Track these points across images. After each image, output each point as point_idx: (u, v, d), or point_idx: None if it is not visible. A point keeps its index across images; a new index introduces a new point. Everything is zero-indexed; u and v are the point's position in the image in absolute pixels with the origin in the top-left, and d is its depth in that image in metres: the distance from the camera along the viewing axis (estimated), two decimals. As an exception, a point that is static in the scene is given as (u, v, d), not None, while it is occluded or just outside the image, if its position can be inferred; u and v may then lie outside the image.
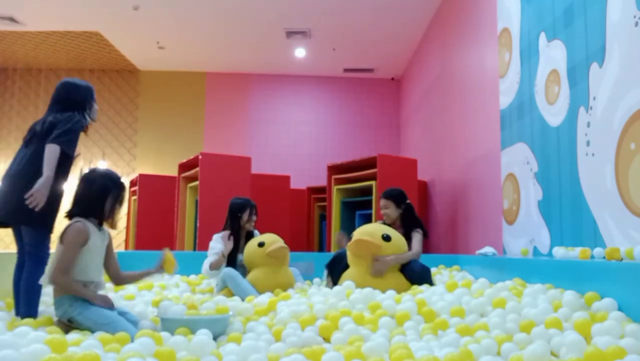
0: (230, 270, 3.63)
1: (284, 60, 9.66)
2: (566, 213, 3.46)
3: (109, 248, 2.67)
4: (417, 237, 3.77)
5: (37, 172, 2.59)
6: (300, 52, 9.28)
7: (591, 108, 3.15)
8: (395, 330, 2.29)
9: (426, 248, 6.73)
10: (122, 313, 2.48)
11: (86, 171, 2.64)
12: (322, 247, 7.92)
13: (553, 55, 3.67)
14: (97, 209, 2.55)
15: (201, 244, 5.73)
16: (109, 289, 3.30)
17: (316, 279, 4.32)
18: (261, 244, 3.76)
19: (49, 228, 2.71)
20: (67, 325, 2.43)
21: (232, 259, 3.87)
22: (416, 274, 3.38)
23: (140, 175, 7.71)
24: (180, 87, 10.35)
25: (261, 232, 4.12)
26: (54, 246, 2.64)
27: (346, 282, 3.17)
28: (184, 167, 6.69)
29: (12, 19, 8.02)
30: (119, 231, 9.88)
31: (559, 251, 3.10)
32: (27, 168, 2.68)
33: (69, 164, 2.77)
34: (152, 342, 1.88)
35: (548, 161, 3.74)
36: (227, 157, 6.40)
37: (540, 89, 3.88)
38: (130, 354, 1.74)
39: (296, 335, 2.20)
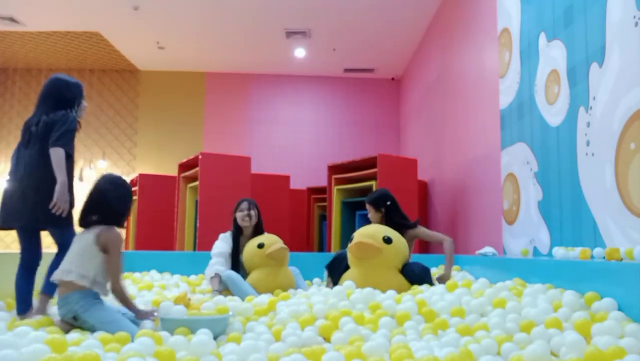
0: (231, 273, 3.63)
1: (284, 60, 9.66)
2: (566, 213, 3.46)
3: None
4: (422, 230, 3.81)
5: (46, 175, 2.70)
6: (300, 52, 9.28)
7: (591, 108, 3.15)
8: (395, 330, 2.29)
9: (426, 248, 6.76)
10: (122, 314, 2.50)
11: (95, 179, 2.69)
12: (322, 247, 7.92)
13: (553, 55, 3.67)
14: (117, 215, 2.61)
15: (201, 244, 5.73)
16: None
17: (316, 279, 4.32)
18: (261, 245, 3.76)
19: (72, 221, 2.84)
20: (69, 324, 2.44)
21: (235, 261, 3.88)
22: (416, 274, 3.38)
23: (140, 175, 7.71)
24: (180, 87, 10.35)
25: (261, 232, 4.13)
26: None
27: (346, 282, 3.17)
28: (184, 167, 6.69)
29: (12, 19, 8.02)
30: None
31: (559, 251, 3.10)
32: (35, 172, 2.76)
33: (71, 162, 2.85)
34: (152, 342, 1.88)
35: (548, 161, 3.74)
36: (227, 157, 6.40)
37: (540, 89, 3.88)
38: (130, 354, 1.74)
39: (296, 335, 2.20)
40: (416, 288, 3.18)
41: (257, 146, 10.10)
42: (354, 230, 3.88)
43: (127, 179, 9.59)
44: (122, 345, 1.91)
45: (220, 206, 5.76)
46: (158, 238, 6.92)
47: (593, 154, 3.13)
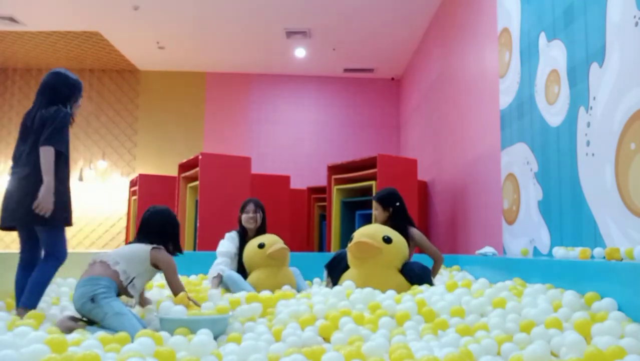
0: (232, 273, 3.63)
1: (284, 60, 9.66)
2: (566, 213, 3.46)
3: None
4: (421, 237, 3.80)
5: (40, 175, 2.67)
6: (300, 52, 9.28)
7: (591, 108, 3.15)
8: (395, 330, 2.29)
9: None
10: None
11: (150, 208, 3.01)
12: (322, 247, 7.92)
13: (553, 55, 3.67)
14: (166, 242, 2.90)
15: (201, 244, 5.73)
16: None
17: (316, 279, 4.31)
18: (261, 246, 3.76)
19: (62, 226, 2.79)
20: (71, 321, 2.46)
21: (241, 260, 3.88)
22: (416, 274, 3.37)
23: (140, 175, 7.71)
24: (180, 87, 10.35)
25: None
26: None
27: (346, 282, 3.16)
28: (184, 167, 6.69)
29: (12, 19, 8.02)
30: (119, 231, 9.89)
31: (559, 251, 3.10)
32: (30, 170, 2.73)
33: (65, 160, 2.82)
34: (152, 342, 1.88)
35: (548, 161, 3.74)
36: (227, 157, 6.40)
37: (540, 89, 3.88)
38: (130, 354, 1.74)
39: (296, 335, 2.20)
40: (416, 288, 3.17)
41: (257, 146, 10.11)
42: (354, 230, 3.87)
43: (127, 179, 9.62)
44: (122, 345, 1.91)
45: (220, 206, 5.76)
46: (158, 238, 6.91)
47: (593, 154, 3.13)
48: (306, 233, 8.15)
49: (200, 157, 6.06)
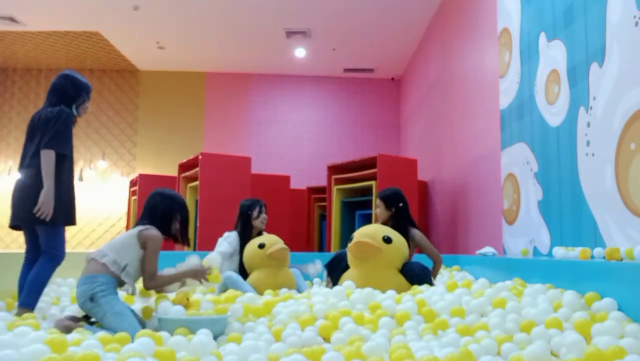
0: (231, 273, 3.64)
1: (284, 60, 9.66)
2: (566, 213, 3.46)
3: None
4: (422, 238, 3.80)
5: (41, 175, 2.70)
6: (300, 52, 9.28)
7: (591, 108, 3.15)
8: (395, 330, 2.29)
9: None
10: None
11: (156, 190, 2.81)
12: (322, 247, 7.92)
13: (553, 55, 3.67)
14: (162, 222, 2.70)
15: (201, 244, 5.73)
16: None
17: (316, 280, 4.31)
18: (261, 246, 3.76)
19: (62, 226, 2.81)
20: (70, 321, 2.46)
21: (239, 262, 3.88)
22: (416, 274, 3.37)
23: (140, 175, 7.71)
24: (180, 87, 10.35)
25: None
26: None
27: (346, 282, 3.16)
28: (184, 167, 6.69)
29: (12, 19, 8.02)
30: (119, 231, 9.88)
31: (559, 251, 3.10)
32: (35, 170, 2.76)
33: (68, 161, 2.86)
34: (152, 342, 1.88)
35: (548, 161, 3.74)
36: (227, 157, 6.40)
37: (540, 89, 3.88)
38: (130, 354, 1.74)
39: (296, 335, 2.20)
40: (416, 288, 3.17)
41: (257, 146, 10.11)
42: (354, 230, 3.87)
43: (127, 179, 9.61)
44: (122, 345, 1.91)
45: (220, 206, 5.76)
46: (158, 238, 6.91)
47: (593, 154, 3.13)
48: (306, 233, 8.15)
49: (200, 157, 6.06)
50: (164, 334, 2.13)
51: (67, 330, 2.37)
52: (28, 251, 2.88)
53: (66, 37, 8.89)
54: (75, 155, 2.98)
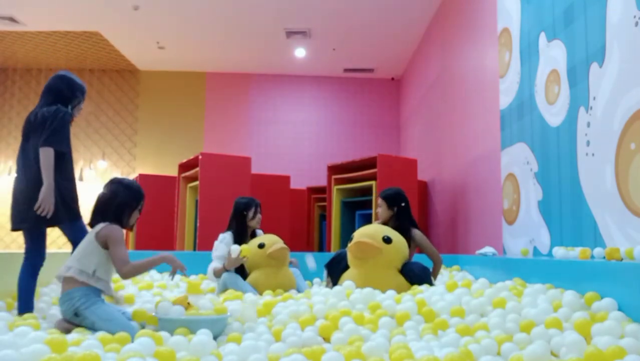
0: (231, 273, 3.64)
1: (284, 60, 9.66)
2: (566, 213, 3.46)
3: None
4: (422, 238, 3.79)
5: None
6: (300, 52, 9.28)
7: (591, 108, 3.15)
8: (395, 330, 2.29)
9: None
10: (122, 313, 2.51)
11: (110, 179, 2.70)
12: (322, 247, 7.92)
13: (553, 55, 3.67)
14: (117, 214, 2.62)
15: (201, 244, 5.73)
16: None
17: (316, 279, 4.32)
18: (261, 246, 3.76)
19: (80, 216, 2.87)
20: (69, 323, 2.44)
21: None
22: (416, 274, 3.37)
23: (140, 175, 7.71)
24: (180, 87, 10.36)
25: (263, 232, 4.12)
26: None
27: (346, 282, 3.16)
28: (184, 167, 6.69)
29: (12, 19, 8.02)
30: (119, 231, 9.88)
31: (559, 251, 3.10)
32: (36, 171, 2.77)
33: (67, 158, 2.87)
34: (152, 342, 1.88)
35: (548, 161, 3.74)
36: (227, 157, 6.40)
37: (540, 89, 3.88)
38: (130, 354, 1.74)
39: (296, 335, 2.20)
40: (416, 288, 3.17)
41: (257, 146, 10.11)
42: (354, 230, 3.87)
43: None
44: (122, 345, 1.91)
45: (221, 206, 5.75)
46: (158, 238, 6.92)
47: (593, 154, 3.13)
48: (306, 233, 8.15)
49: (200, 157, 6.06)
50: (164, 334, 2.13)
51: (67, 330, 2.37)
52: (29, 252, 2.86)
53: (66, 37, 8.89)
54: (75, 155, 2.99)
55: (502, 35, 4.66)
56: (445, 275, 4.18)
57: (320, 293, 3.06)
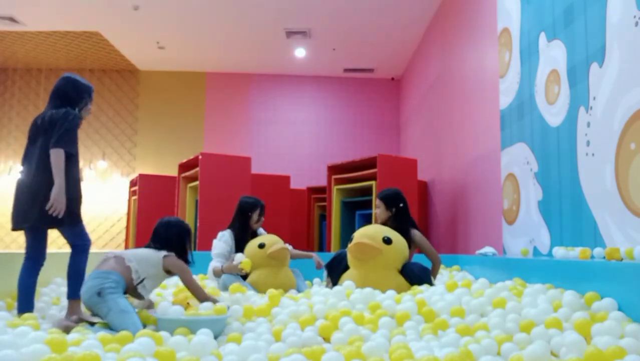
0: (231, 274, 3.64)
1: (284, 60, 9.66)
2: (566, 213, 3.46)
3: None
4: (422, 238, 3.79)
5: (52, 176, 2.74)
6: (300, 52, 9.28)
7: (591, 108, 3.15)
8: (395, 330, 2.29)
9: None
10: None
11: (162, 219, 2.99)
12: (322, 247, 7.92)
13: (553, 55, 3.67)
14: (184, 256, 2.92)
15: (201, 244, 5.73)
16: None
17: (316, 279, 4.31)
18: (261, 246, 3.76)
19: (81, 219, 2.89)
20: (69, 322, 2.46)
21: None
22: (416, 275, 3.37)
23: (140, 175, 7.72)
24: (180, 87, 10.36)
25: (266, 232, 4.13)
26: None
27: (346, 282, 3.16)
28: (184, 167, 6.69)
29: (12, 19, 8.02)
30: (119, 231, 9.89)
31: (559, 251, 3.10)
32: (41, 171, 2.79)
33: (75, 160, 2.92)
34: (152, 342, 1.88)
35: (548, 161, 3.74)
36: (227, 157, 6.40)
37: (540, 89, 3.88)
38: (130, 354, 1.73)
39: (296, 335, 2.20)
40: (416, 288, 3.17)
41: (257, 146, 10.11)
42: (354, 230, 3.87)
43: (127, 179, 9.62)
44: (122, 345, 1.91)
45: (220, 206, 5.76)
46: (158, 238, 6.91)
47: (593, 154, 3.13)
48: (306, 233, 8.15)
49: (200, 157, 6.06)
50: (164, 334, 2.12)
51: (67, 329, 2.37)
52: (30, 251, 2.86)
53: (66, 37, 8.89)
54: (76, 154, 2.99)
55: (502, 35, 4.66)
56: (445, 275, 4.18)
57: (320, 293, 3.06)
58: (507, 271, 3.43)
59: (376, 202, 3.95)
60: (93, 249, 3.11)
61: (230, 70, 10.31)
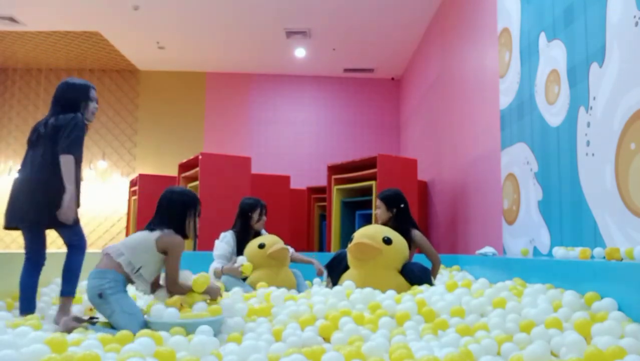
0: (230, 275, 3.64)
1: (284, 60, 9.66)
2: (566, 213, 3.46)
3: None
4: (422, 239, 3.79)
5: (52, 176, 2.75)
6: (300, 52, 9.28)
7: (591, 108, 3.15)
8: (395, 330, 2.29)
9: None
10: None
11: (166, 189, 2.79)
12: (322, 247, 7.92)
13: (553, 55, 3.67)
14: (182, 227, 2.70)
15: (201, 244, 5.73)
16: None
17: (316, 279, 4.32)
18: (262, 246, 3.76)
19: (78, 219, 2.88)
20: (76, 320, 2.47)
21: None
22: (416, 275, 3.37)
23: (140, 175, 7.71)
24: (180, 87, 10.36)
25: (267, 232, 4.13)
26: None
27: (346, 282, 3.16)
28: (184, 167, 6.69)
29: (12, 19, 8.02)
30: (119, 231, 9.89)
31: (559, 251, 3.10)
32: (41, 173, 2.79)
33: (79, 166, 2.90)
34: (152, 342, 1.88)
35: (548, 161, 3.74)
36: (227, 157, 6.40)
37: (540, 89, 3.88)
38: (130, 354, 1.73)
39: (296, 335, 2.20)
40: (416, 288, 3.17)
41: (257, 146, 10.11)
42: (354, 230, 3.87)
43: (127, 179, 9.61)
44: (122, 345, 1.91)
45: (220, 206, 5.76)
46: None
47: (593, 154, 3.13)
48: (306, 233, 8.15)
49: (200, 157, 6.06)
50: (164, 334, 2.12)
51: (67, 329, 2.37)
52: (29, 251, 2.87)
53: (66, 37, 8.89)
54: (76, 155, 2.98)
55: (502, 35, 4.66)
56: (445, 275, 4.18)
57: (320, 293, 3.06)
58: (507, 271, 3.43)
59: (377, 202, 3.95)
60: (92, 249, 3.11)
61: (230, 70, 10.31)
